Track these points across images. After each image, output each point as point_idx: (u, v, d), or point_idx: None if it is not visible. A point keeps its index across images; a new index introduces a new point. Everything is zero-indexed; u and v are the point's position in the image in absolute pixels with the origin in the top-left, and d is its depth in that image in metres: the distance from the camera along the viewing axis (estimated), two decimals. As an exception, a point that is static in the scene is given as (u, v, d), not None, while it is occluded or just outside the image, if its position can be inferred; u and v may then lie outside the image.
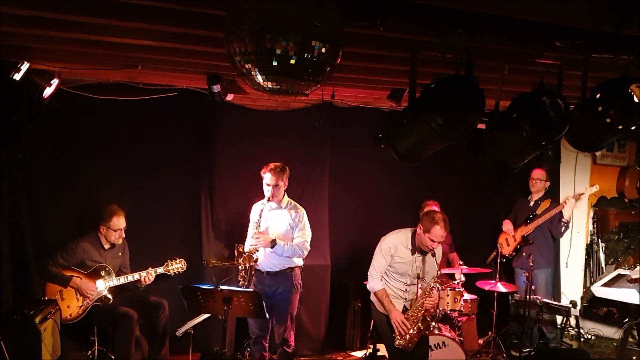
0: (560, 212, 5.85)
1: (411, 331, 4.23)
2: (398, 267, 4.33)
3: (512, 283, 5.89)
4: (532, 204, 6.07)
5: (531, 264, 5.32)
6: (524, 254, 5.85)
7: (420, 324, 4.25)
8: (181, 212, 5.46)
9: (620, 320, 6.20)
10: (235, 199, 5.58)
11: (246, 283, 4.52)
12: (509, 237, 6.05)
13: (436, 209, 5.38)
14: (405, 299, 4.42)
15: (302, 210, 4.84)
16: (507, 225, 6.09)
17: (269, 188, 4.67)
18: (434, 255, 4.27)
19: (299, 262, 4.85)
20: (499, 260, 5.83)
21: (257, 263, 4.63)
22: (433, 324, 4.36)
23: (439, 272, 4.34)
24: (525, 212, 6.06)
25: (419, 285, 4.41)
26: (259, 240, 4.60)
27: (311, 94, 2.76)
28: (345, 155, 6.00)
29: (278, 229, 4.76)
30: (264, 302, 4.01)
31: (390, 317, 4.27)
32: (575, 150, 6.10)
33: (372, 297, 4.49)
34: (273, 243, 4.61)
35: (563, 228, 5.90)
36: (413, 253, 4.30)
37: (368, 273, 4.43)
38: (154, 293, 5.01)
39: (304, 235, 4.78)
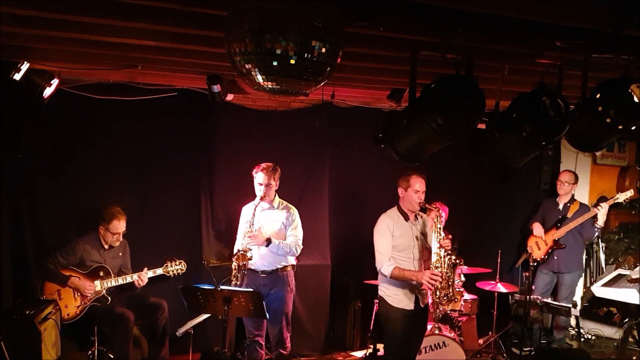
0: (593, 216, 5.83)
1: (447, 273, 4.15)
2: (401, 243, 4.22)
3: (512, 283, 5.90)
4: (561, 206, 6.04)
5: (532, 263, 5.32)
6: (555, 257, 5.87)
7: (453, 257, 4.20)
8: (181, 212, 5.46)
9: (620, 320, 6.20)
10: (235, 199, 5.57)
11: (239, 282, 4.52)
12: (539, 240, 6.02)
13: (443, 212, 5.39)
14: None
15: (294, 210, 4.88)
16: (537, 229, 6.04)
17: (261, 187, 4.70)
18: (425, 211, 4.28)
19: (292, 260, 4.88)
20: (499, 260, 5.81)
21: (251, 263, 4.64)
22: (453, 258, 4.25)
23: (439, 209, 4.27)
24: (554, 215, 6.04)
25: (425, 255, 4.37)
26: (254, 239, 4.60)
27: (311, 94, 2.76)
28: (345, 155, 6.00)
29: (271, 229, 4.77)
30: (264, 302, 4.01)
31: (419, 280, 4.06)
32: (575, 150, 6.12)
33: (382, 293, 4.30)
34: (268, 241, 4.62)
35: (597, 232, 5.89)
36: (407, 220, 4.26)
37: (377, 261, 4.24)
38: (153, 294, 5.01)
39: (297, 233, 4.82)
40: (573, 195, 6.09)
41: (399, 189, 4.26)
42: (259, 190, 4.73)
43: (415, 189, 4.18)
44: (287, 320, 4.83)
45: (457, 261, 4.26)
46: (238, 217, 5.56)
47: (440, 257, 4.18)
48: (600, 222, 5.77)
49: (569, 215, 5.94)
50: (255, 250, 4.66)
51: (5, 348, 3.75)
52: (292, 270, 4.87)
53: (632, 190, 5.86)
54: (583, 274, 6.21)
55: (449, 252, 4.19)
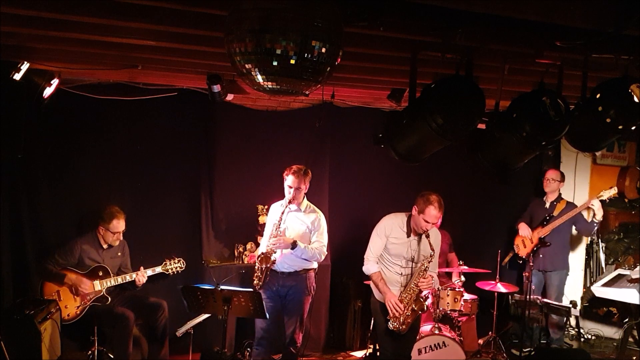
0: (580, 213, 5.87)
1: (405, 312, 4.19)
2: (393, 249, 4.29)
3: (520, 283, 5.89)
4: (547, 205, 6.04)
5: (531, 264, 5.32)
6: (541, 255, 5.87)
7: (414, 305, 4.20)
8: (181, 212, 5.47)
9: (620, 320, 6.20)
10: (235, 199, 5.58)
11: (261, 283, 4.50)
12: (525, 239, 6.03)
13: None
14: (401, 284, 4.35)
15: (320, 215, 4.76)
16: (523, 230, 6.02)
17: (291, 190, 4.58)
18: (427, 237, 4.22)
19: (314, 264, 4.78)
20: (498, 260, 5.82)
21: (274, 265, 4.60)
22: (426, 303, 4.30)
23: (432, 253, 4.26)
24: (541, 214, 6.04)
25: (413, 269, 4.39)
26: (279, 241, 4.53)
27: (311, 94, 2.76)
28: (345, 156, 6.00)
29: (296, 232, 4.68)
30: (264, 303, 4.01)
31: (385, 299, 4.24)
32: (575, 150, 6.11)
33: (372, 285, 4.46)
34: (294, 245, 4.52)
35: (595, 226, 5.91)
36: (408, 236, 4.28)
37: (364, 256, 4.38)
38: (153, 293, 5.02)
39: (322, 239, 4.70)
40: (560, 194, 6.08)
41: (414, 206, 4.21)
42: (287, 193, 4.61)
43: (426, 218, 4.13)
44: (301, 321, 4.75)
45: (419, 312, 4.29)
46: (238, 217, 5.58)
47: (412, 294, 4.22)
48: (599, 216, 5.78)
49: (555, 213, 5.94)
50: (279, 251, 4.60)
51: (5, 348, 3.75)
52: (312, 273, 4.77)
53: (615, 188, 5.87)
54: (568, 274, 6.19)
55: (420, 297, 4.23)
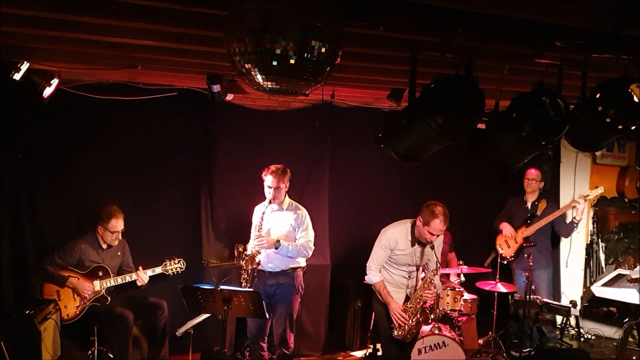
0: (564, 214, 5.83)
1: (410, 322, 4.29)
2: (398, 259, 4.40)
3: (510, 283, 5.88)
4: (529, 205, 6.00)
5: (531, 264, 5.31)
6: (525, 255, 5.84)
7: (419, 316, 4.30)
8: (181, 212, 5.46)
9: (620, 320, 6.19)
10: (235, 199, 5.58)
11: (248, 285, 4.51)
12: (508, 239, 6.00)
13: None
14: (407, 286, 4.47)
15: (303, 211, 4.80)
16: (507, 229, 5.95)
17: (270, 190, 4.63)
18: (432, 247, 4.28)
19: (302, 262, 4.80)
20: (498, 261, 5.82)
21: (260, 265, 4.63)
22: (432, 316, 4.37)
23: (439, 265, 4.32)
24: (522, 213, 6.00)
25: (420, 275, 4.47)
26: (262, 242, 4.56)
27: (311, 94, 2.76)
28: (345, 155, 6.00)
29: (280, 231, 4.72)
30: (263, 302, 4.01)
31: (389, 309, 4.33)
32: (575, 150, 6.11)
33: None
34: (277, 244, 4.57)
35: (575, 227, 5.88)
36: (413, 245, 4.35)
37: (367, 265, 4.47)
38: (153, 293, 5.01)
39: (308, 235, 4.74)
40: (540, 194, 6.05)
41: (419, 217, 4.26)
42: (268, 193, 4.65)
43: (430, 230, 4.19)
44: (290, 321, 4.78)
45: (424, 324, 4.40)
46: (238, 217, 5.58)
47: (417, 305, 4.32)
48: (579, 217, 5.77)
49: (538, 213, 5.92)
50: (263, 251, 4.63)
51: (5, 348, 3.75)
52: (300, 272, 4.80)
53: (601, 187, 5.85)
54: (553, 272, 6.18)
55: (425, 309, 4.32)
